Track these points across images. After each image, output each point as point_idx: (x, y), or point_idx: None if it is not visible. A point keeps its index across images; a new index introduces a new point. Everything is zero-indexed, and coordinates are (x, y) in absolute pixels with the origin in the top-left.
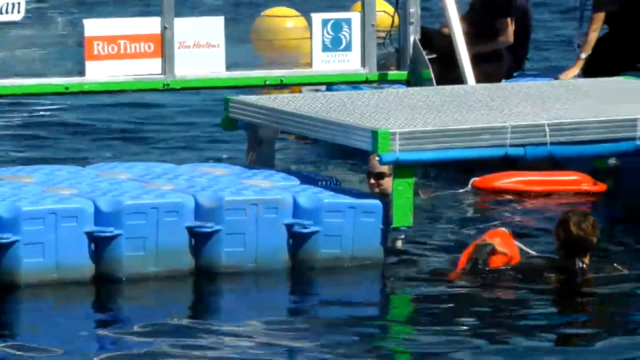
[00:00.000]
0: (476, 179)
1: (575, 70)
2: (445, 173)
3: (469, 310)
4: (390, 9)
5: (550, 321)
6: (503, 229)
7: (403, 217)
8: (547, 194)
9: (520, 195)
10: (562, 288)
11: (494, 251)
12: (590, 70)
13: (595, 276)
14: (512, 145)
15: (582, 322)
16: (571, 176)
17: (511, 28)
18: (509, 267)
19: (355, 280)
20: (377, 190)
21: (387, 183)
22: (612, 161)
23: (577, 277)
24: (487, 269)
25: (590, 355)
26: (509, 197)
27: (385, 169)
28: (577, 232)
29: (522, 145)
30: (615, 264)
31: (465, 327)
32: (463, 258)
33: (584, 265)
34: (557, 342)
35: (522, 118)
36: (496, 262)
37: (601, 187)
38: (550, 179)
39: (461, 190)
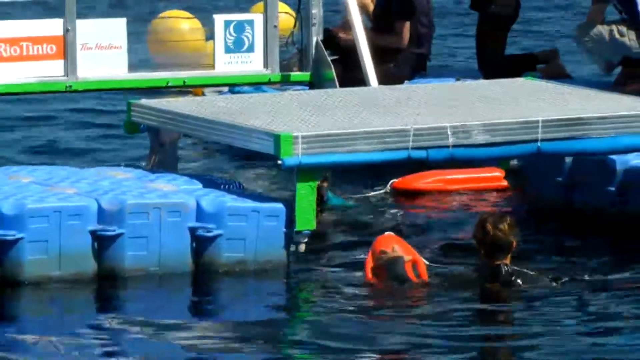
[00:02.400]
0: (395, 180)
1: None
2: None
3: (383, 321)
4: (290, 10)
5: (472, 324)
6: (389, 232)
7: (306, 220)
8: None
9: (441, 194)
10: (487, 292)
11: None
12: (492, 71)
13: (522, 281)
14: (414, 148)
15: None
16: (492, 172)
17: (407, 30)
18: (429, 279)
19: (258, 284)
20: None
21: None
22: (513, 162)
23: (499, 279)
24: (408, 281)
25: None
26: (428, 199)
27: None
28: (494, 233)
29: (425, 148)
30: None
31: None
32: (368, 269)
33: (508, 268)
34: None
35: (424, 120)
36: (407, 271)
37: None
38: (471, 176)
39: (380, 192)
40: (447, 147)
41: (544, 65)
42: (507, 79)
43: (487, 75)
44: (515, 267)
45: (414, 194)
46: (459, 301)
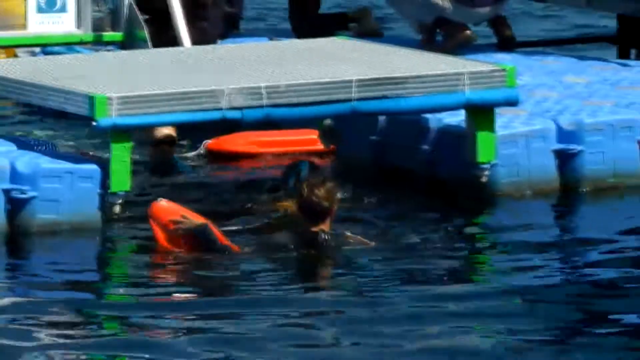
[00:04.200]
0: (209, 141)
1: None
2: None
3: (190, 282)
4: None
5: (286, 293)
6: (163, 200)
7: (121, 181)
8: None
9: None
10: (301, 257)
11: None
12: (305, 31)
13: (337, 245)
14: (229, 109)
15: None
16: (307, 135)
17: None
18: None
19: (72, 245)
20: None
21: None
22: (327, 122)
23: (317, 245)
24: (218, 245)
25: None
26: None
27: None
28: (309, 198)
29: (240, 108)
30: (349, 233)
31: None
32: (160, 237)
33: (325, 235)
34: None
35: (238, 81)
36: (218, 236)
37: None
38: (285, 138)
39: (193, 154)
40: (262, 107)
41: (356, 24)
42: (320, 39)
43: (300, 36)
44: (333, 232)
45: (229, 156)
46: (272, 266)
